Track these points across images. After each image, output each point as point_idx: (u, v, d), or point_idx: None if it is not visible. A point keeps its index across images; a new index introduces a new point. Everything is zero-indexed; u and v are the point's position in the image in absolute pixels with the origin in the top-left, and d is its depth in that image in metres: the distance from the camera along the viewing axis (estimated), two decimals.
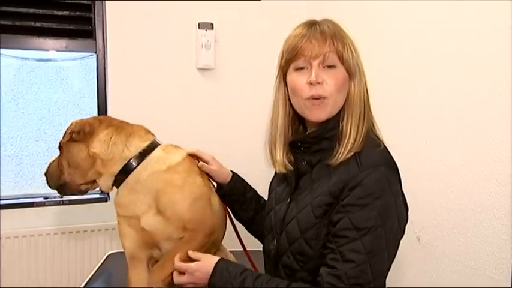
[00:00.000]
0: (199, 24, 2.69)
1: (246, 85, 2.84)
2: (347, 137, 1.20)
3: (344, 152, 1.19)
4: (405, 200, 1.24)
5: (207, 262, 1.27)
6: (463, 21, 1.78)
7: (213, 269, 1.25)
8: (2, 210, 2.51)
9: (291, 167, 1.33)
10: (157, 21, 2.66)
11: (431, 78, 1.93)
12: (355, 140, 1.20)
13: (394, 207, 1.16)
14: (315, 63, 1.20)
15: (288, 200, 1.32)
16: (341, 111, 1.24)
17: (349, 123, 1.21)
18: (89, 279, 1.96)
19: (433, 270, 1.93)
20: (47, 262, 2.56)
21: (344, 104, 1.24)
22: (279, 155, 1.33)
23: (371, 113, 1.28)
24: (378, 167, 1.15)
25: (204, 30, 2.68)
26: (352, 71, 1.22)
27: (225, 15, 2.76)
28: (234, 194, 1.55)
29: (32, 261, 2.53)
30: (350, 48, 1.22)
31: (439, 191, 1.89)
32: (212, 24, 2.70)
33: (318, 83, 1.20)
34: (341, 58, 1.21)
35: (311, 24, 1.25)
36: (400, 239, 1.23)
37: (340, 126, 1.22)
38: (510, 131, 1.60)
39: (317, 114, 1.23)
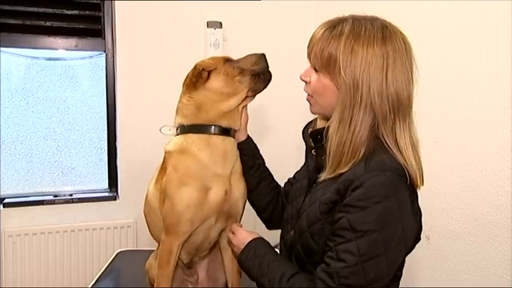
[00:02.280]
0: (207, 23, 2.69)
1: None
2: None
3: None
4: (418, 208, 1.22)
5: (242, 238, 1.39)
6: (473, 20, 1.77)
7: (244, 246, 1.35)
8: (12, 208, 2.53)
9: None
10: (166, 20, 2.66)
11: (440, 77, 1.92)
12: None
13: (396, 213, 1.12)
14: (309, 61, 1.27)
15: (305, 194, 1.35)
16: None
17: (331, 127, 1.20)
18: (99, 277, 1.96)
19: (442, 270, 1.93)
20: (56, 260, 2.58)
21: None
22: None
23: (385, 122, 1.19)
24: (384, 172, 1.12)
25: (213, 29, 2.68)
26: (340, 86, 1.17)
27: (233, 14, 2.76)
28: (246, 154, 1.57)
29: (42, 259, 2.55)
30: (345, 65, 1.15)
31: (448, 190, 1.88)
32: (221, 23, 2.70)
33: (305, 81, 1.28)
34: (323, 67, 1.20)
35: (331, 22, 1.24)
36: (407, 248, 1.20)
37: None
38: None
39: (311, 108, 1.31)
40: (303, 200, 1.34)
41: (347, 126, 1.16)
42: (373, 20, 1.23)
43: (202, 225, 1.48)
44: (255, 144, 1.62)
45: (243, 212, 1.60)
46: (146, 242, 1.77)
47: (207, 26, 2.69)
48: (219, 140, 1.48)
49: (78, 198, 2.67)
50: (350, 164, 1.16)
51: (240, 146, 1.56)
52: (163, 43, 2.67)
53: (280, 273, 1.22)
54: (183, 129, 1.50)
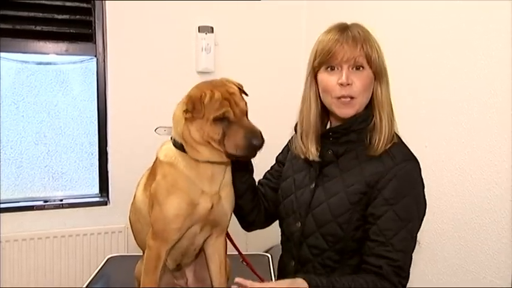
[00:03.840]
0: (199, 27, 2.69)
1: (246, 88, 2.83)
2: (383, 131, 1.33)
3: (382, 144, 1.32)
4: None
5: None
6: (462, 24, 1.78)
7: None
8: (1, 214, 2.51)
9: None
10: (157, 24, 2.66)
11: (430, 81, 1.93)
12: (389, 133, 1.34)
13: (423, 194, 1.33)
14: (346, 66, 1.32)
15: (313, 186, 1.42)
16: (370, 108, 1.37)
17: (382, 119, 1.34)
18: (89, 283, 1.95)
19: (433, 274, 1.93)
20: (46, 265, 2.56)
21: (372, 101, 1.37)
22: (312, 145, 1.43)
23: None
24: (409, 161, 1.32)
25: (204, 34, 2.69)
26: (378, 72, 1.35)
27: (224, 18, 2.77)
28: (240, 163, 1.55)
29: (32, 265, 2.53)
30: (377, 51, 1.33)
31: (438, 194, 1.89)
32: (212, 28, 2.71)
33: (348, 84, 1.31)
34: (369, 61, 1.32)
35: (343, 30, 1.34)
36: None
37: (372, 121, 1.35)
38: (509, 134, 1.61)
39: (346, 112, 1.35)
40: (311, 192, 1.41)
41: (390, 106, 1.38)
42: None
43: (187, 233, 1.47)
44: None
45: (229, 222, 1.57)
46: (137, 248, 1.76)
47: (199, 31, 2.69)
48: (207, 166, 1.40)
49: (69, 204, 2.65)
50: (389, 145, 1.32)
51: None
52: (154, 48, 2.67)
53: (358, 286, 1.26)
54: (176, 143, 1.45)
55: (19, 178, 2.67)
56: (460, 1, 1.79)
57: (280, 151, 1.68)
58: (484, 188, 1.70)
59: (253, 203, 1.62)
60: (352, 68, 1.32)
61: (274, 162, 1.69)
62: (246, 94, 1.48)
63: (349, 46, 1.31)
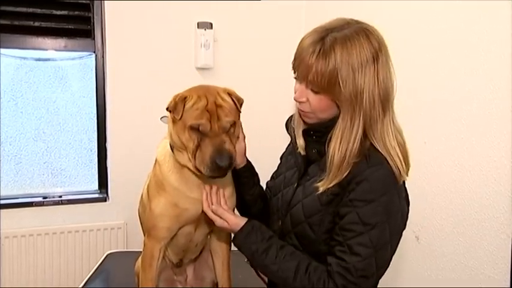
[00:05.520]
0: (198, 23, 2.69)
1: (245, 84, 2.81)
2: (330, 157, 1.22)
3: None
4: (407, 196, 1.29)
5: (236, 222, 1.34)
6: (462, 21, 1.78)
7: (243, 226, 1.32)
8: (1, 210, 2.51)
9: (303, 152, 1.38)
10: (156, 20, 2.66)
11: (430, 78, 1.93)
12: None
13: (397, 202, 1.21)
14: (304, 82, 1.23)
15: (296, 185, 1.37)
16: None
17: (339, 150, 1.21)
18: (88, 279, 1.96)
19: (432, 270, 1.94)
20: (46, 262, 2.56)
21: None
22: (299, 139, 1.38)
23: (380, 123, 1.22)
24: (384, 164, 1.20)
25: (203, 30, 2.68)
26: (341, 102, 1.19)
27: (224, 14, 2.76)
28: (246, 177, 1.54)
29: (31, 261, 2.53)
30: (344, 80, 1.16)
31: (437, 190, 1.89)
32: (211, 24, 2.70)
33: (302, 102, 1.25)
34: (325, 89, 1.19)
35: (317, 41, 1.20)
36: (402, 232, 1.28)
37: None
38: (509, 130, 1.61)
39: (307, 120, 1.31)
40: (293, 191, 1.37)
41: (350, 139, 1.19)
42: (350, 25, 1.22)
43: (181, 231, 1.48)
44: (252, 165, 1.57)
45: None
46: (136, 244, 1.76)
47: (198, 27, 2.69)
48: (192, 175, 1.39)
49: (68, 200, 2.65)
50: (349, 169, 1.20)
51: (240, 171, 1.51)
52: (153, 44, 2.66)
53: (295, 263, 1.24)
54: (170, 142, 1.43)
55: (18, 174, 2.67)
56: (460, 1, 1.78)
57: (278, 148, 1.65)
58: (483, 184, 1.70)
59: (261, 210, 1.56)
60: (309, 88, 1.22)
61: (272, 162, 1.66)
62: (240, 111, 1.41)
63: (310, 64, 1.18)
